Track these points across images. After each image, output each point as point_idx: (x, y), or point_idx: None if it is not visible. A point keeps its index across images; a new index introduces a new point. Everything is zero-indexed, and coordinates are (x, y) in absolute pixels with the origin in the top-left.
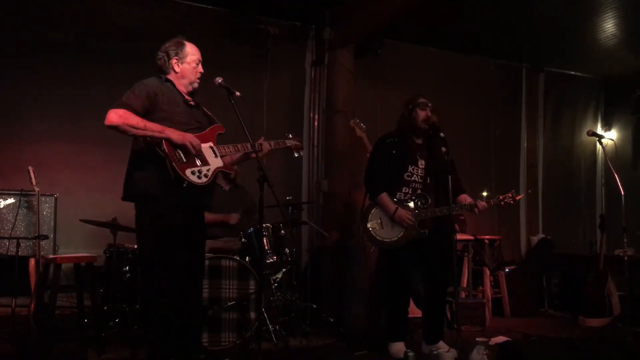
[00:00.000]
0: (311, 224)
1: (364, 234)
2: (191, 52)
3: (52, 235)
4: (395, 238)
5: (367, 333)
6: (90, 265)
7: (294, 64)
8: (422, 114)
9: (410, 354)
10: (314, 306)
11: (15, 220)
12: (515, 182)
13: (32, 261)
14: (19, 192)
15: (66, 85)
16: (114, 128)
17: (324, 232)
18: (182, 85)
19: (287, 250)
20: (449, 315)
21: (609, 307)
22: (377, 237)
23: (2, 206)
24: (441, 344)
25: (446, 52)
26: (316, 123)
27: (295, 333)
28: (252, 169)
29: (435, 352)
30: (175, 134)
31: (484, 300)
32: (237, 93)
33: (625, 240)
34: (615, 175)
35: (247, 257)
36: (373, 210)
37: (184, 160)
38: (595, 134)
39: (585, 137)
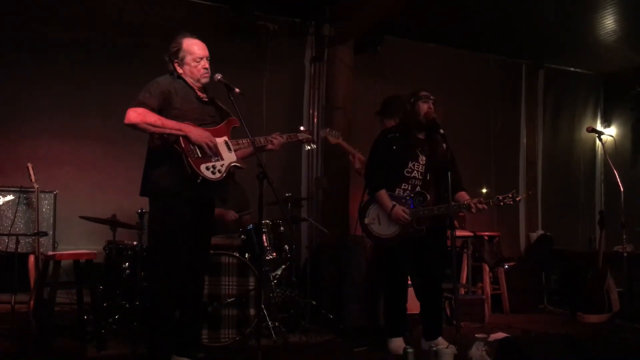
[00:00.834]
0: (311, 221)
1: (361, 229)
2: (190, 50)
3: (51, 232)
4: (392, 235)
5: (366, 329)
6: (90, 262)
7: (294, 60)
8: (424, 107)
9: (410, 350)
10: (314, 303)
11: (15, 217)
12: (515, 178)
13: (31, 258)
14: (18, 189)
15: (65, 81)
16: (133, 126)
17: (323, 228)
18: (192, 82)
19: (286, 246)
20: (448, 311)
21: (608, 303)
22: (374, 233)
23: (1, 203)
24: (440, 340)
25: (446, 48)
26: (315, 119)
27: (295, 329)
28: (252, 165)
29: (434, 349)
30: (192, 132)
31: (483, 297)
32: (237, 89)
33: (624, 236)
34: (615, 171)
35: (246, 254)
36: (371, 206)
37: (199, 155)
38: (594, 131)
39: (584, 134)
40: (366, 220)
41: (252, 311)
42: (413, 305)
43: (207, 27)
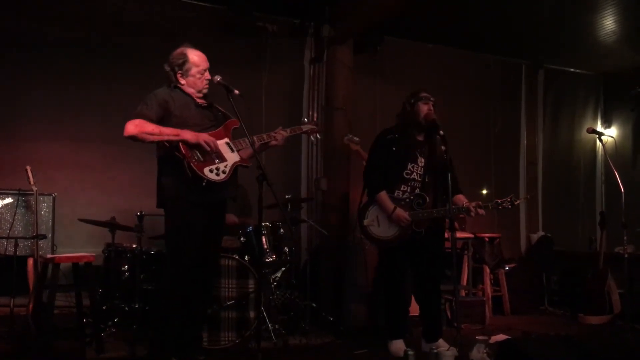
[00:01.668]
0: (310, 223)
1: (360, 231)
2: (195, 62)
3: (50, 235)
4: (391, 236)
5: (366, 331)
6: (89, 265)
7: (293, 60)
8: (424, 108)
9: (410, 352)
10: (314, 305)
11: (14, 220)
12: (515, 179)
13: (30, 261)
14: (17, 192)
15: (64, 83)
16: (132, 138)
17: (323, 230)
18: (191, 92)
19: (286, 249)
20: (449, 313)
21: (609, 304)
22: (373, 235)
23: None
24: (441, 342)
25: (446, 48)
26: (315, 120)
27: (295, 332)
28: (252, 167)
29: (435, 351)
30: (189, 135)
31: (484, 298)
32: (236, 91)
33: (625, 237)
34: (615, 172)
35: (246, 256)
36: (371, 208)
37: (202, 159)
38: (595, 132)
39: (585, 134)
40: (365, 222)
41: (252, 313)
42: (412, 307)
43: (207, 27)
